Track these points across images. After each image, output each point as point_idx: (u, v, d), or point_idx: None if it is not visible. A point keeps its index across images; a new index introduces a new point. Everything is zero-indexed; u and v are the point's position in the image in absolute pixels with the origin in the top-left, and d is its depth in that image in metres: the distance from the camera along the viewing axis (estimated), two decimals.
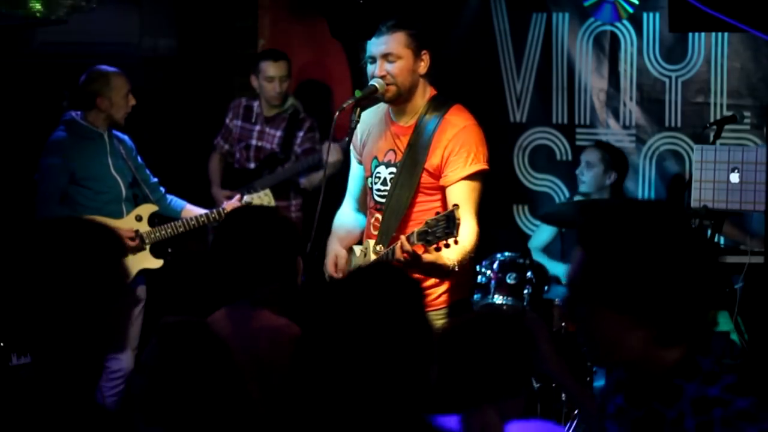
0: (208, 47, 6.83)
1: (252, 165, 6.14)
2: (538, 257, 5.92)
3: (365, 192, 4.19)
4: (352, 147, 4.19)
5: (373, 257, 3.91)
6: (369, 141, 4.12)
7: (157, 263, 5.35)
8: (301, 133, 6.09)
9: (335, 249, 4.15)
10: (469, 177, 3.91)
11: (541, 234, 6.14)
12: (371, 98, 4.01)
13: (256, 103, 6.20)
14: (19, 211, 5.69)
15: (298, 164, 5.98)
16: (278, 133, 6.11)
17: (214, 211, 5.32)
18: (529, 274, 5.21)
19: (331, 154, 5.81)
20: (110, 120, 5.34)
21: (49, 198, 5.25)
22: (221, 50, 6.75)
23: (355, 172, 4.23)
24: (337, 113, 3.95)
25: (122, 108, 5.33)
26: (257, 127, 6.16)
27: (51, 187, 5.26)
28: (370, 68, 3.97)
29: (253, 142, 6.15)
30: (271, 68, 6.10)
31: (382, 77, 3.93)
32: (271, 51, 6.30)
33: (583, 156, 6.04)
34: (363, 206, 4.24)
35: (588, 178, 5.95)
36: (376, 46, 3.95)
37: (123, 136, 5.48)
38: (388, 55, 3.93)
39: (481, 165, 3.93)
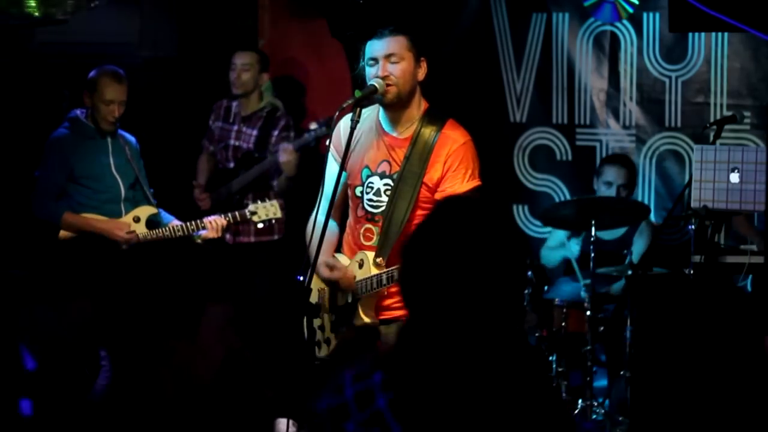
0: (208, 47, 6.83)
1: (231, 164, 6.15)
2: (551, 254, 5.90)
3: (344, 196, 4.13)
4: (332, 148, 4.05)
5: (373, 269, 3.89)
6: (357, 148, 4.03)
7: None
8: (275, 132, 6.07)
9: (324, 260, 4.04)
10: (465, 194, 3.86)
11: (557, 234, 6.02)
12: (370, 100, 3.99)
13: (235, 103, 6.19)
14: (19, 210, 5.69)
15: (265, 162, 5.97)
16: (254, 132, 6.11)
17: (193, 222, 5.37)
18: (529, 274, 5.19)
19: (282, 154, 5.82)
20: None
21: (45, 194, 5.27)
22: (221, 50, 6.74)
23: (334, 173, 3.97)
24: (336, 113, 3.93)
25: (100, 112, 5.29)
26: (235, 127, 6.17)
27: (48, 183, 5.29)
28: (370, 70, 3.94)
29: (232, 141, 6.16)
30: (235, 57, 6.12)
31: (384, 77, 3.91)
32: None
33: (611, 178, 5.75)
34: (338, 210, 4.12)
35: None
36: (378, 47, 3.93)
37: (130, 137, 5.47)
38: (391, 55, 3.91)
39: (477, 182, 3.93)
